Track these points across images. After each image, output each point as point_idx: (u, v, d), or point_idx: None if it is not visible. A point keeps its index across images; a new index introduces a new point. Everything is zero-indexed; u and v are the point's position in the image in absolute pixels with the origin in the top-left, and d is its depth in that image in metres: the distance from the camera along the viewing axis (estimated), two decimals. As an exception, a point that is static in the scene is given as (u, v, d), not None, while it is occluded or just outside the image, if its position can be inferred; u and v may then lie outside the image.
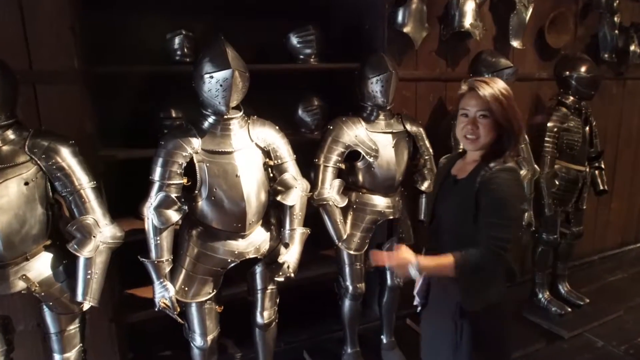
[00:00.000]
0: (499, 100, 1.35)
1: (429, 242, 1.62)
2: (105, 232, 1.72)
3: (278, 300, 2.16)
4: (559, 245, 3.08)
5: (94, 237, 1.69)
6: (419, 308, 1.65)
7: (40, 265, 1.66)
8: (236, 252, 1.91)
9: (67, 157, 1.66)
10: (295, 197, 1.98)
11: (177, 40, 2.34)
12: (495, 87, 1.37)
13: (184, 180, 1.80)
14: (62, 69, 1.94)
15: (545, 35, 3.08)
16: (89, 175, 1.70)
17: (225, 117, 1.83)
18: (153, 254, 1.78)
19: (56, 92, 1.95)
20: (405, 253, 1.38)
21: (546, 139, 2.79)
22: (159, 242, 1.78)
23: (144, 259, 1.77)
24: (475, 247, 1.34)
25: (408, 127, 2.32)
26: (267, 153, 1.94)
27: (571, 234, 3.10)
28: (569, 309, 3.06)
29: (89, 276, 1.67)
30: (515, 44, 2.92)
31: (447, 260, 1.35)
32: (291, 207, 1.98)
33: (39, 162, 1.60)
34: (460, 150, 1.61)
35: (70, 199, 1.67)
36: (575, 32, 3.30)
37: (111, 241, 1.74)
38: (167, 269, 1.81)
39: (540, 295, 3.15)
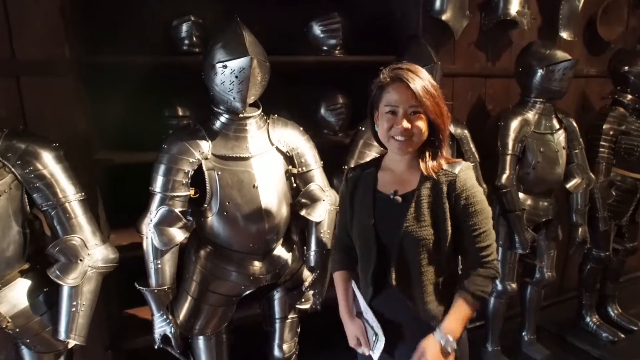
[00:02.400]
0: (430, 93, 1.16)
1: (375, 285, 1.28)
2: (95, 254, 1.43)
3: (299, 330, 1.85)
4: (609, 263, 2.74)
5: (80, 260, 1.40)
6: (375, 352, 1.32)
7: (15, 295, 1.39)
8: (252, 278, 1.61)
9: (49, 163, 1.38)
10: (323, 212, 1.68)
11: (184, 27, 2.08)
12: (423, 77, 1.17)
13: (191, 192, 1.52)
14: (50, 58, 1.69)
15: (597, 26, 2.75)
16: (76, 185, 1.42)
17: (241, 115, 1.53)
18: (153, 281, 1.49)
19: (44, 86, 1.70)
20: (429, 344, 1.19)
21: (601, 143, 2.50)
22: (159, 266, 1.48)
23: (141, 287, 1.48)
24: (469, 277, 1.21)
25: (452, 129, 2.02)
26: (289, 159, 1.65)
27: (624, 250, 2.80)
28: (622, 335, 2.73)
29: (74, 309, 1.39)
30: (565, 35, 2.62)
31: (464, 311, 1.21)
32: (318, 223, 1.68)
33: (13, 169, 1.34)
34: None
35: (52, 214, 1.40)
36: (627, 23, 2.96)
37: (102, 265, 1.45)
38: (169, 299, 1.52)
39: (587, 319, 2.85)
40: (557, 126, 2.27)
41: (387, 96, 1.18)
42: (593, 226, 2.52)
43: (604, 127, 2.48)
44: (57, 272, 1.38)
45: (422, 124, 1.17)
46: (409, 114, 1.16)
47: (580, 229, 2.39)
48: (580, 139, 2.36)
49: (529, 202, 2.26)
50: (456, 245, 1.23)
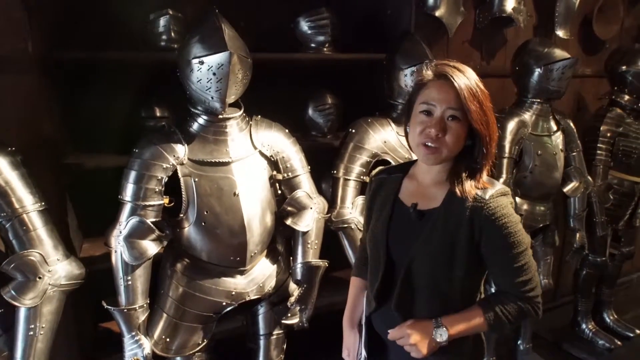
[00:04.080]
0: (476, 96, 1.00)
1: (378, 301, 1.16)
2: (57, 270, 1.29)
3: (285, 346, 1.72)
4: (606, 268, 2.67)
5: (39, 278, 1.26)
6: None
7: (-35, 318, 1.23)
8: (234, 293, 1.49)
9: (3, 169, 1.25)
10: (310, 221, 1.56)
11: (162, 21, 1.93)
12: (470, 77, 1.02)
13: (165, 201, 1.40)
14: (11, 54, 1.54)
15: (593, 25, 2.68)
16: (35, 194, 1.28)
17: (220, 116, 1.41)
18: (122, 299, 1.36)
19: (4, 84, 1.55)
20: (422, 322, 1.05)
21: (599, 145, 2.43)
22: (130, 283, 1.35)
23: (109, 307, 1.34)
24: (503, 296, 1.07)
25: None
26: (274, 164, 1.53)
27: (620, 255, 2.74)
28: (619, 343, 2.67)
29: (32, 332, 1.25)
30: (561, 33, 2.54)
31: (477, 320, 1.05)
32: (305, 233, 1.56)
33: None
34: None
35: (7, 226, 1.26)
36: (623, 22, 2.90)
37: (65, 282, 1.31)
38: (142, 318, 1.39)
39: (583, 326, 2.79)
40: (555, 128, 2.19)
41: (425, 93, 1.04)
42: (590, 231, 2.45)
43: (601, 128, 2.41)
44: (12, 292, 1.23)
45: (458, 134, 1.01)
46: (446, 118, 1.01)
47: (577, 234, 2.32)
48: (578, 141, 2.29)
49: (525, 207, 2.17)
50: (477, 283, 1.09)
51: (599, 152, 2.41)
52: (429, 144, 1.01)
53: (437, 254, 1.05)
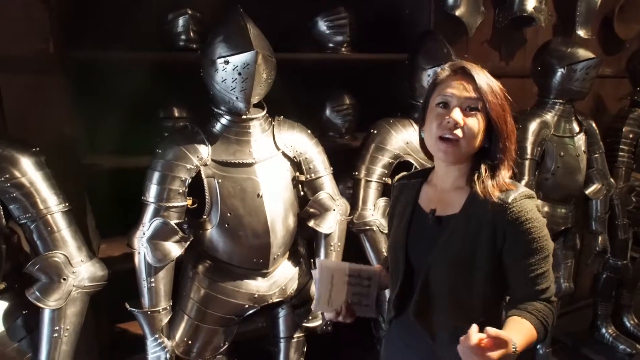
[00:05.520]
0: (494, 92, 0.98)
1: (397, 309, 1.12)
2: (80, 272, 1.28)
3: (305, 349, 1.70)
4: (627, 272, 2.62)
5: (64, 279, 1.25)
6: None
7: (-10, 319, 1.22)
8: (256, 296, 1.47)
9: (28, 170, 1.23)
10: (333, 223, 1.54)
11: (180, 21, 1.92)
12: (488, 75, 1.01)
13: (188, 202, 1.39)
14: (33, 54, 1.54)
15: (614, 24, 2.63)
16: (59, 195, 1.28)
17: (244, 117, 1.39)
18: (145, 301, 1.35)
19: (26, 84, 1.56)
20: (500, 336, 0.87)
21: (621, 147, 2.38)
22: (153, 284, 1.34)
23: (132, 309, 1.32)
24: (530, 305, 0.99)
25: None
26: (297, 165, 1.51)
27: (642, 258, 2.65)
28: (640, 347, 2.61)
29: (56, 334, 1.24)
30: (582, 33, 2.50)
31: (531, 333, 0.96)
32: (328, 235, 1.53)
33: None
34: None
35: (31, 227, 1.25)
36: (643, 21, 2.86)
37: (89, 284, 1.31)
38: (165, 321, 1.37)
39: (603, 330, 2.73)
40: (577, 129, 2.15)
41: (441, 88, 1.00)
42: (611, 234, 2.41)
43: (623, 130, 2.37)
44: (37, 294, 1.23)
45: (477, 124, 0.96)
46: (464, 109, 0.97)
47: (600, 238, 2.28)
48: (601, 143, 2.25)
49: (546, 209, 2.13)
50: (500, 291, 1.04)
51: (621, 153, 2.36)
52: (447, 135, 0.97)
53: (456, 260, 1.01)
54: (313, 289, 1.62)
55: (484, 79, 0.98)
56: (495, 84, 0.99)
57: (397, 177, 1.22)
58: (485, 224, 0.98)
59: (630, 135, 2.37)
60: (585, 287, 2.93)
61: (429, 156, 1.10)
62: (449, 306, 1.03)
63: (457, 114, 0.96)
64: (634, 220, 2.47)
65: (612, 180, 2.30)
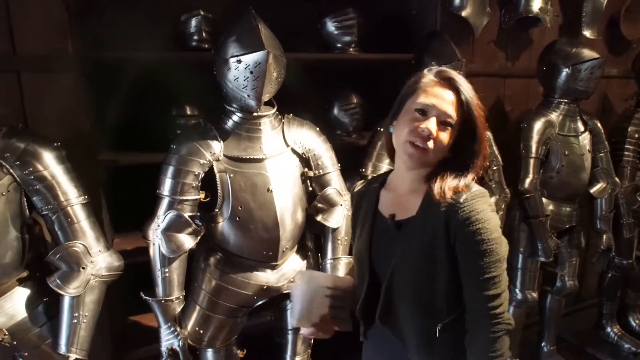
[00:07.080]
0: (477, 104, 1.00)
1: (364, 318, 1.13)
2: (98, 261, 1.34)
3: (312, 341, 1.74)
4: (632, 271, 2.63)
5: (83, 268, 1.31)
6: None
7: (13, 305, 1.29)
8: (265, 287, 1.51)
9: (50, 164, 1.29)
10: (340, 218, 1.58)
11: (193, 22, 1.97)
12: (471, 88, 1.01)
13: (201, 196, 1.42)
14: (53, 53, 1.60)
15: (620, 25, 2.65)
16: (79, 188, 1.33)
17: (255, 114, 1.44)
18: (160, 291, 1.40)
19: (46, 82, 1.61)
20: None
21: (626, 146, 2.41)
22: (167, 275, 1.39)
23: (147, 297, 1.38)
24: (475, 333, 0.99)
25: (474, 130, 1.90)
26: (305, 161, 1.55)
27: (647, 258, 2.66)
28: (645, 346, 2.62)
29: (75, 320, 1.30)
30: (588, 33, 2.52)
31: None
32: (335, 229, 1.57)
33: (11, 170, 1.25)
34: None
35: (53, 218, 1.30)
36: (650, 22, 2.86)
37: (106, 273, 1.36)
38: (178, 309, 1.42)
39: (608, 329, 2.75)
40: (582, 128, 2.17)
41: (424, 95, 1.00)
42: (616, 233, 2.42)
43: (628, 129, 2.39)
44: (58, 281, 1.28)
45: (447, 139, 0.98)
46: (440, 122, 0.98)
47: (604, 236, 2.30)
48: (606, 142, 2.26)
49: (551, 207, 2.16)
50: (461, 290, 1.01)
51: (626, 153, 2.38)
52: (419, 143, 0.97)
53: (417, 263, 1.01)
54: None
55: (469, 91, 0.99)
56: (477, 99, 1.01)
57: (354, 186, 1.23)
58: (440, 226, 0.97)
59: (636, 135, 2.39)
60: (590, 287, 2.93)
61: (391, 155, 1.11)
62: (414, 309, 1.03)
63: (432, 125, 0.97)
64: (639, 220, 2.49)
65: (616, 179, 2.32)
